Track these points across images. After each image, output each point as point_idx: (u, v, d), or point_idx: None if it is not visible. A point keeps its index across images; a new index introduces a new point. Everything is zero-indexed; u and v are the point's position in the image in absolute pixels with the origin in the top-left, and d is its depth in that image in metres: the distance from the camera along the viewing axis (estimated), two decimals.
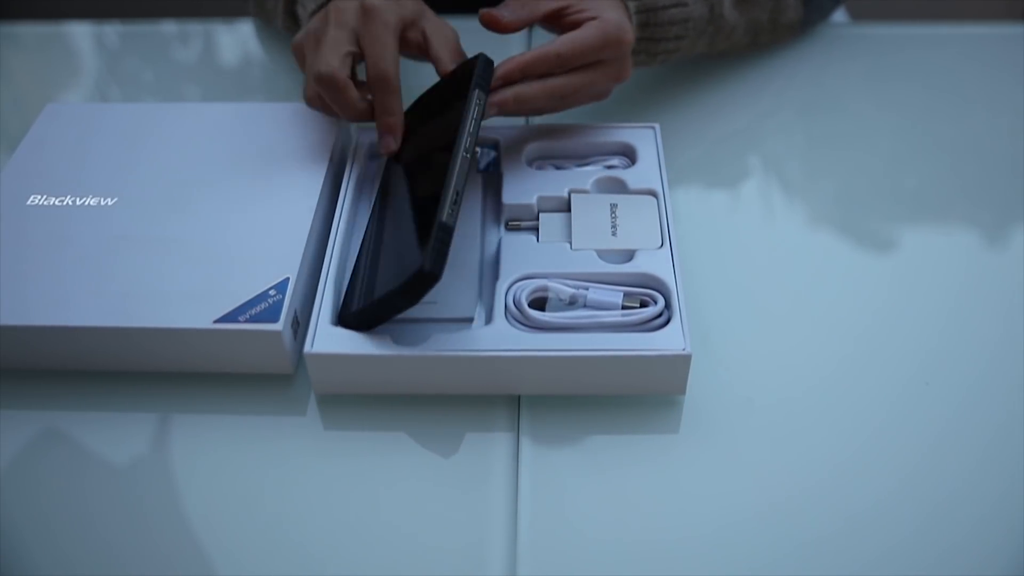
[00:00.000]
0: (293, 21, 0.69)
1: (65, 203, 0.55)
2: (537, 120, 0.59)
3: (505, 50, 0.57)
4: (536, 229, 0.55)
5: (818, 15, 0.76)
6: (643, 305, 0.50)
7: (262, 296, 0.49)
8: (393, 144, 0.55)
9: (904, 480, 0.47)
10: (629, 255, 0.53)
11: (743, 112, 0.71)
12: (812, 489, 0.46)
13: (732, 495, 0.46)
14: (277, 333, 0.48)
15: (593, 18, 0.55)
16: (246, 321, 0.48)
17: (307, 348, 0.47)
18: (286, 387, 0.51)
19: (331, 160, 0.58)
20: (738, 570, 0.43)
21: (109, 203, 0.55)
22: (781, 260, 0.58)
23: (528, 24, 0.56)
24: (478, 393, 0.50)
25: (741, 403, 0.50)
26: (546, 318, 0.49)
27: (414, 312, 0.50)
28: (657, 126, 0.61)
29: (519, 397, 0.50)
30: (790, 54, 0.75)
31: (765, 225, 0.62)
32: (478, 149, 0.60)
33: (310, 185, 0.56)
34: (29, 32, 0.82)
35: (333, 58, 0.53)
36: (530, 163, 0.59)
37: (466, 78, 0.52)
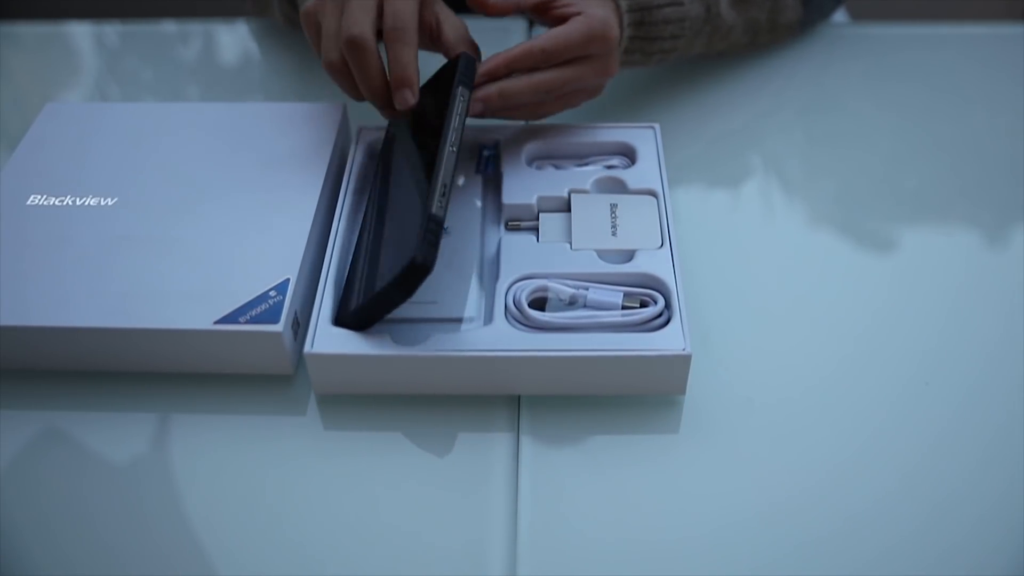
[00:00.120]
0: (292, 7, 0.69)
1: (65, 203, 0.55)
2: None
3: (503, 46, 0.57)
4: (536, 229, 0.55)
5: (818, 15, 0.76)
6: (643, 305, 0.50)
7: (262, 297, 0.49)
8: (411, 98, 0.52)
9: (904, 480, 0.47)
10: (629, 255, 0.53)
11: (743, 112, 0.71)
12: (812, 489, 0.46)
13: (732, 495, 0.46)
14: (277, 334, 0.48)
15: (578, 13, 0.55)
16: (246, 322, 0.48)
17: (307, 348, 0.47)
18: (286, 387, 0.51)
19: (331, 160, 0.58)
20: (738, 570, 0.43)
21: (109, 203, 0.55)
22: (781, 260, 0.58)
23: (515, 10, 0.56)
24: (478, 393, 0.50)
25: (741, 403, 0.50)
26: (546, 318, 0.49)
27: (410, 312, 0.50)
28: (657, 126, 0.61)
29: (519, 397, 0.50)
30: (790, 54, 0.75)
31: (765, 225, 0.62)
32: (484, 152, 0.60)
33: (310, 185, 0.56)
34: (29, 32, 0.82)
35: (364, 18, 0.51)
36: (530, 163, 0.59)
37: (450, 76, 0.53)
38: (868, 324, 0.54)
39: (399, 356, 0.47)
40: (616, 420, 0.49)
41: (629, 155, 0.59)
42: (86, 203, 0.55)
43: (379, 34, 0.53)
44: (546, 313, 0.49)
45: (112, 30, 0.81)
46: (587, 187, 0.56)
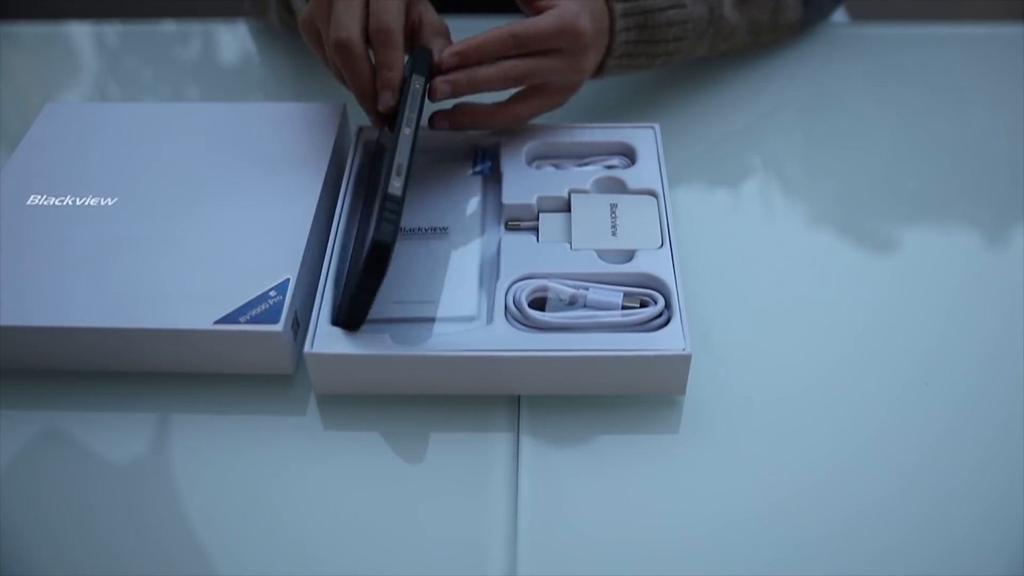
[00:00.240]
0: (289, 14, 0.69)
1: (65, 203, 0.55)
2: (537, 120, 0.59)
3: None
4: (536, 229, 0.55)
5: (818, 15, 0.76)
6: (643, 305, 0.50)
7: (263, 297, 0.49)
8: (391, 99, 0.53)
9: (904, 480, 0.47)
10: (629, 255, 0.53)
11: (743, 112, 0.71)
12: (812, 489, 0.46)
13: (732, 495, 0.46)
14: (277, 334, 0.48)
15: (554, 6, 0.55)
16: (247, 322, 0.48)
17: (307, 348, 0.47)
18: (286, 387, 0.51)
19: (331, 160, 0.58)
20: (738, 570, 0.43)
21: (109, 203, 0.55)
22: (781, 260, 0.58)
23: None
24: (478, 393, 0.50)
25: (741, 403, 0.50)
26: (546, 318, 0.49)
27: (413, 311, 0.50)
28: (657, 126, 0.61)
29: (519, 397, 0.50)
30: (790, 54, 0.75)
31: (765, 225, 0.62)
32: (479, 153, 0.60)
33: (310, 185, 0.56)
34: (29, 32, 0.82)
35: (350, 21, 0.52)
36: (530, 163, 0.59)
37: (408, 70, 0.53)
38: (868, 324, 0.54)
39: (399, 356, 0.47)
40: (616, 420, 0.49)
41: (629, 155, 0.59)
42: (86, 203, 0.55)
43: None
44: (546, 313, 0.49)
45: (112, 30, 0.81)
46: (587, 187, 0.56)
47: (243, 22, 0.80)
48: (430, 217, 0.56)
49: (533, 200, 0.56)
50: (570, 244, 0.53)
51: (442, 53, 0.53)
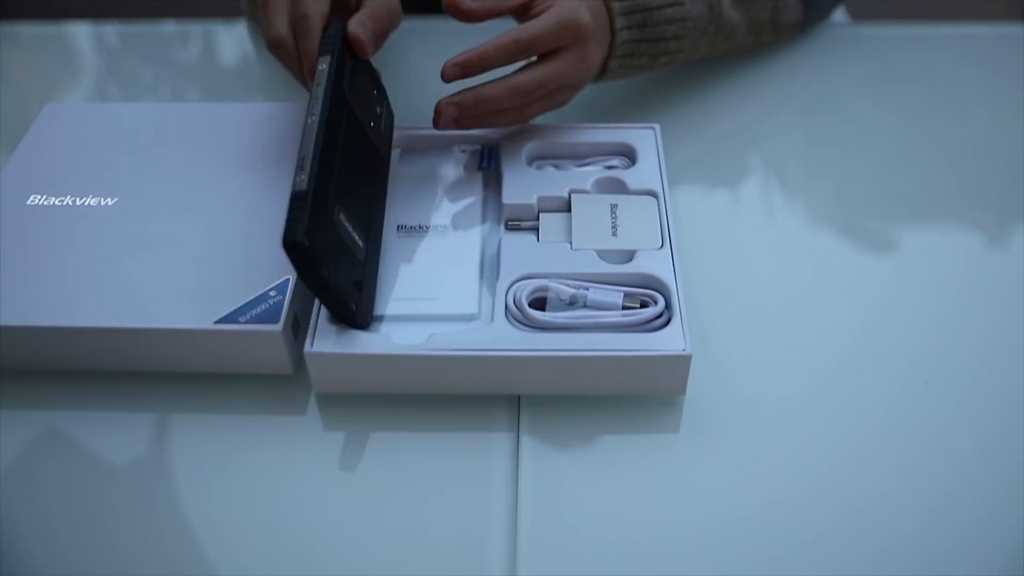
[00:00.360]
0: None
1: (65, 203, 0.55)
2: (537, 120, 0.59)
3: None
4: (536, 229, 0.55)
5: (817, 14, 0.76)
6: (643, 305, 0.50)
7: (263, 297, 0.49)
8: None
9: (904, 480, 0.47)
10: (629, 255, 0.53)
11: (743, 112, 0.71)
12: (812, 489, 0.46)
13: (732, 495, 0.46)
14: (278, 334, 0.48)
15: (550, 7, 0.55)
16: (246, 322, 0.48)
17: (307, 348, 0.47)
18: (286, 387, 0.51)
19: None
20: (738, 570, 0.43)
21: (109, 203, 0.55)
22: (781, 260, 0.58)
23: (494, 14, 0.56)
24: (478, 393, 0.50)
25: (741, 403, 0.50)
26: (546, 318, 0.49)
27: (416, 309, 0.50)
28: (657, 126, 0.61)
29: (519, 397, 0.50)
30: (790, 54, 0.75)
31: (765, 225, 0.62)
32: (477, 148, 0.60)
33: None
34: (29, 32, 0.82)
35: (278, 19, 0.53)
36: (530, 163, 0.59)
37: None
38: (868, 324, 0.54)
39: (399, 356, 0.47)
40: (616, 420, 0.49)
41: (629, 155, 0.59)
42: (86, 203, 0.55)
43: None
44: (546, 313, 0.49)
45: (112, 30, 0.81)
46: (587, 187, 0.56)
47: (243, 22, 0.80)
48: (431, 215, 0.56)
49: (533, 200, 0.56)
50: (570, 244, 0.53)
51: (444, 65, 0.53)
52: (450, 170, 0.59)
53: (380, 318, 0.50)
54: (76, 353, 0.50)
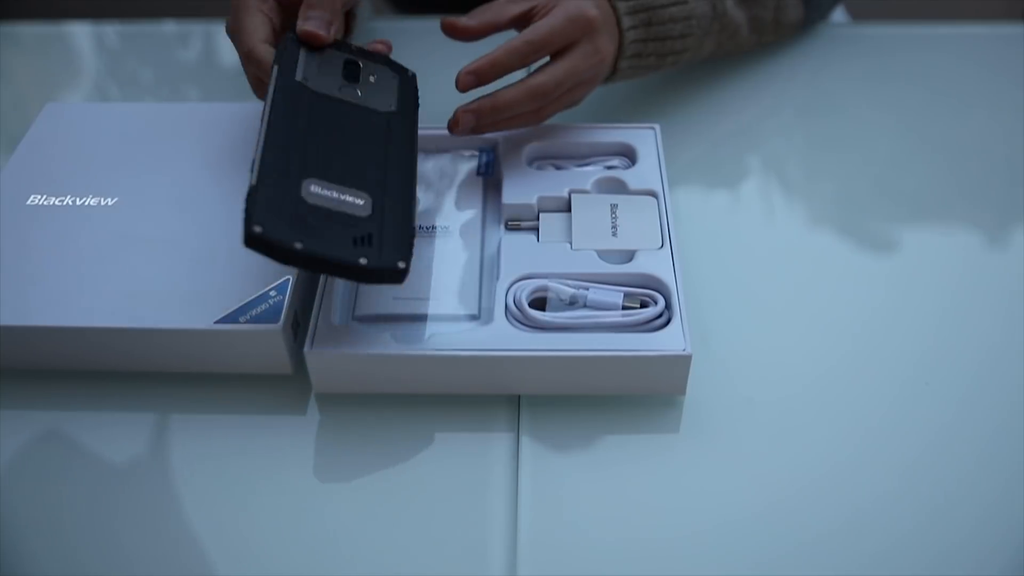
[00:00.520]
0: None
1: (65, 203, 0.55)
2: None
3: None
4: (536, 229, 0.55)
5: (817, 14, 0.76)
6: (643, 305, 0.50)
7: (262, 297, 0.49)
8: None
9: (904, 480, 0.47)
10: (629, 255, 0.53)
11: (743, 112, 0.71)
12: (812, 489, 0.46)
13: (732, 494, 0.46)
14: (277, 334, 0.48)
15: (556, 6, 0.55)
16: (246, 322, 0.48)
17: (307, 347, 0.48)
18: (286, 387, 0.51)
19: None
20: (738, 570, 0.43)
21: (109, 203, 0.55)
22: (781, 260, 0.58)
23: (492, 30, 0.55)
24: (478, 393, 0.50)
25: (741, 403, 0.50)
26: (546, 318, 0.49)
27: (416, 308, 0.50)
28: (657, 126, 0.61)
29: (519, 397, 0.50)
30: (790, 54, 0.75)
31: (765, 226, 0.62)
32: (476, 153, 0.60)
33: None
34: (29, 32, 0.82)
35: (250, 36, 0.53)
36: (530, 163, 0.59)
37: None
38: (868, 324, 0.54)
39: (399, 356, 0.47)
40: (616, 420, 0.49)
41: (629, 155, 0.59)
42: (86, 203, 0.55)
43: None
44: (546, 313, 0.49)
45: (112, 30, 0.81)
46: (587, 187, 0.56)
47: None
48: (431, 215, 0.56)
49: (533, 200, 0.56)
50: (570, 244, 0.53)
51: (458, 74, 0.53)
52: (451, 170, 0.59)
53: (381, 316, 0.50)
54: (76, 353, 0.50)
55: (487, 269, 0.53)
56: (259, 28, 0.54)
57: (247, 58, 0.53)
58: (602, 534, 0.45)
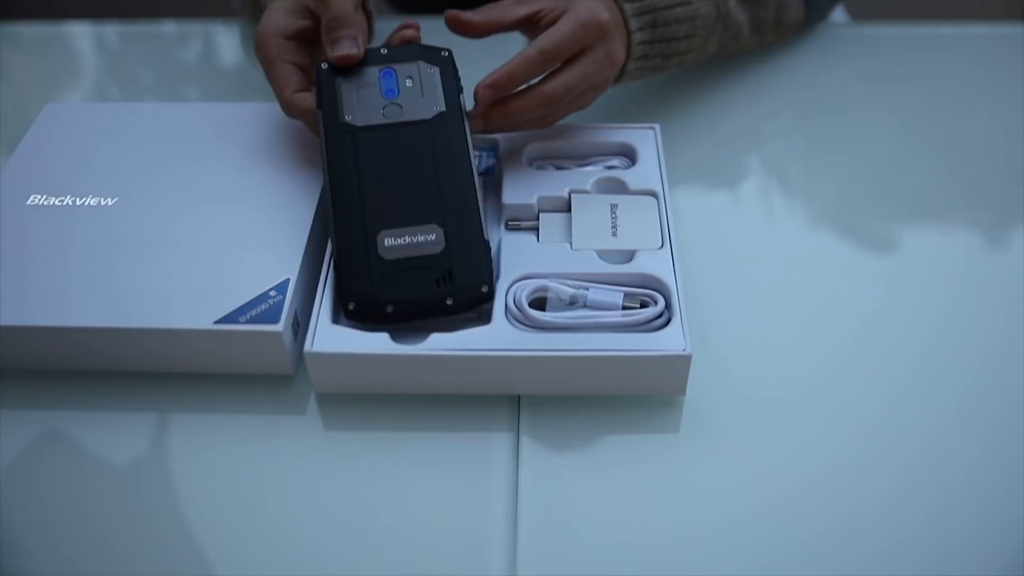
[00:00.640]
0: (253, 2, 0.70)
1: (65, 203, 0.55)
2: None
3: (500, 51, 0.57)
4: (536, 229, 0.55)
5: (817, 14, 0.76)
6: (643, 305, 0.50)
7: (263, 297, 0.49)
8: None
9: (904, 480, 0.47)
10: (629, 255, 0.53)
11: (743, 113, 0.71)
12: (812, 489, 0.46)
13: (732, 494, 0.46)
14: (278, 334, 0.48)
15: (565, 12, 0.54)
16: (246, 322, 0.48)
17: (307, 347, 0.47)
18: (286, 387, 0.51)
19: None
20: (738, 570, 0.43)
21: (109, 203, 0.55)
22: (781, 261, 0.58)
23: (497, 29, 0.55)
24: (478, 393, 0.50)
25: (741, 403, 0.50)
26: (546, 318, 0.49)
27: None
28: (657, 126, 0.61)
29: (519, 397, 0.50)
30: (790, 54, 0.75)
31: (765, 226, 0.62)
32: (478, 153, 0.60)
33: (310, 185, 0.56)
34: (29, 32, 0.82)
35: (282, 90, 0.54)
36: (530, 163, 0.59)
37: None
38: (868, 324, 0.54)
39: (399, 356, 0.47)
40: (616, 420, 0.49)
41: (629, 155, 0.59)
42: (86, 203, 0.55)
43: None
44: (546, 313, 0.49)
45: (112, 30, 0.81)
46: (587, 187, 0.56)
47: (243, 22, 0.80)
48: None
49: (533, 200, 0.56)
50: (570, 244, 0.53)
51: (476, 88, 0.53)
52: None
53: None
54: (76, 353, 0.50)
55: None
56: (290, 79, 0.54)
57: (288, 113, 0.55)
58: (602, 534, 0.45)
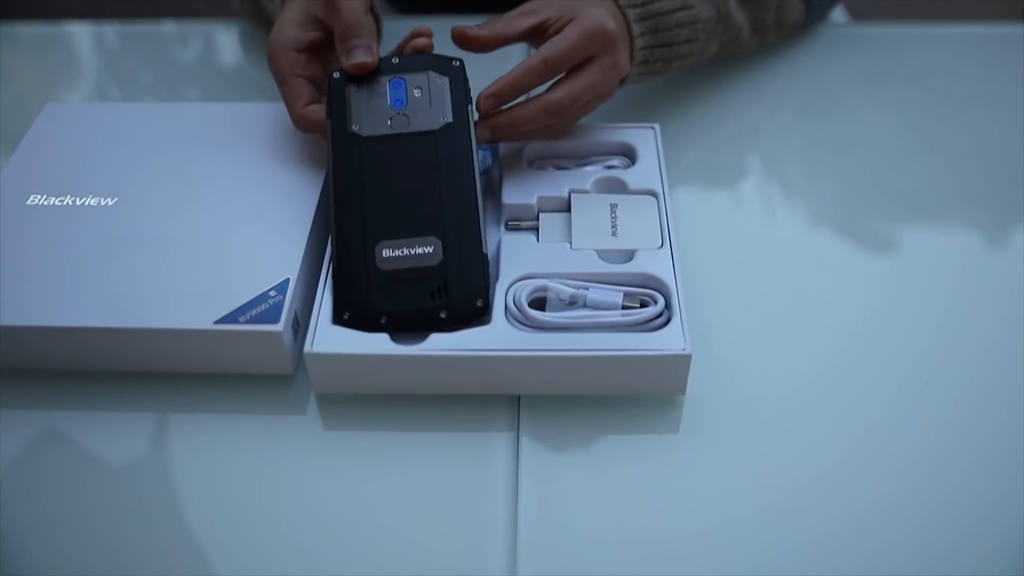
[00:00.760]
0: (251, 3, 0.69)
1: (65, 203, 0.55)
2: None
3: (503, 57, 0.57)
4: (536, 229, 0.55)
5: (817, 14, 0.76)
6: (643, 305, 0.50)
7: (262, 297, 0.49)
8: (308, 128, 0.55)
9: (904, 480, 0.47)
10: (629, 255, 0.53)
11: (743, 112, 0.71)
12: (812, 488, 0.46)
13: (732, 495, 0.46)
14: (278, 334, 0.48)
15: (572, 19, 0.54)
16: (246, 322, 0.48)
17: (307, 347, 0.47)
18: (286, 387, 0.51)
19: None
20: (738, 570, 0.43)
21: (109, 203, 0.55)
22: (781, 260, 0.58)
23: (504, 42, 0.55)
24: (478, 393, 0.50)
25: (741, 403, 0.50)
26: (546, 318, 0.49)
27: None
28: (657, 126, 0.61)
29: (519, 397, 0.50)
30: (790, 54, 0.75)
31: (765, 225, 0.62)
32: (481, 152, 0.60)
33: (310, 185, 0.56)
34: (29, 32, 0.82)
35: (294, 103, 0.54)
36: (530, 163, 0.59)
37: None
38: (868, 324, 0.54)
39: (399, 356, 0.47)
40: (616, 420, 0.49)
41: (629, 155, 0.59)
42: (86, 203, 0.55)
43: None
44: (546, 313, 0.49)
45: (112, 30, 0.81)
46: (587, 187, 0.56)
47: (243, 22, 0.80)
48: None
49: (533, 200, 0.56)
50: (570, 244, 0.53)
51: (478, 96, 0.53)
52: None
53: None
54: (76, 353, 0.50)
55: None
56: (301, 93, 0.55)
57: (299, 126, 0.55)
58: (602, 534, 0.45)
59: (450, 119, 0.52)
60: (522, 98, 0.54)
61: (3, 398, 0.51)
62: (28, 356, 0.50)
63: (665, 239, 0.53)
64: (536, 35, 0.55)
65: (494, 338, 0.48)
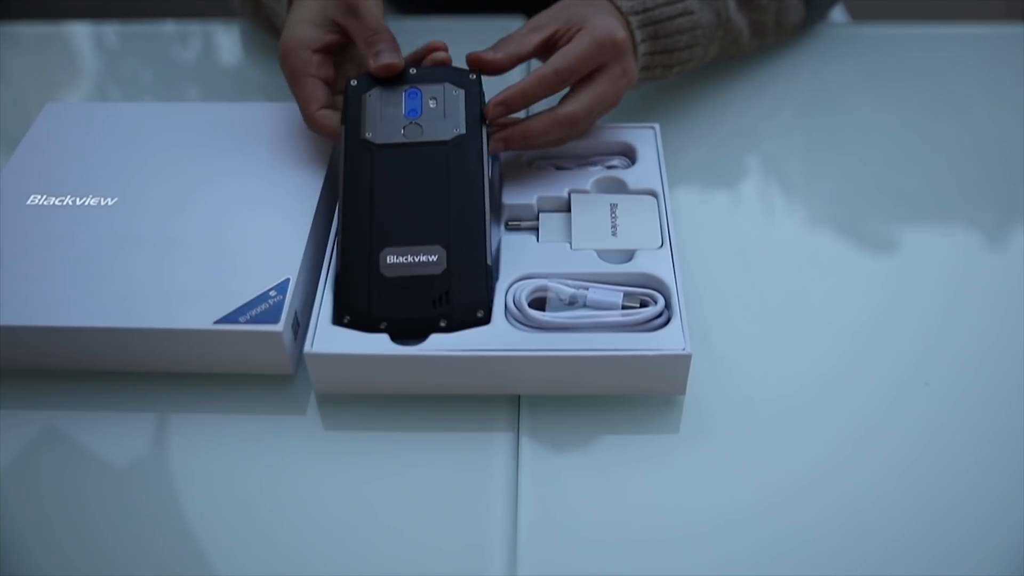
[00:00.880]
0: (253, 2, 0.70)
1: (65, 203, 0.55)
2: None
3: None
4: (536, 229, 0.55)
5: (817, 14, 0.76)
6: (643, 305, 0.50)
7: (262, 297, 0.49)
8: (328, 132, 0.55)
9: (904, 480, 0.47)
10: (629, 255, 0.53)
11: (743, 112, 0.71)
12: (812, 488, 0.46)
13: (732, 495, 0.46)
14: (278, 334, 0.48)
15: (581, 29, 0.54)
16: (246, 322, 0.48)
17: (307, 348, 0.47)
18: (286, 387, 0.51)
19: (331, 160, 0.58)
20: (738, 570, 0.43)
21: (109, 203, 0.55)
22: (781, 260, 0.58)
23: (519, 60, 0.55)
24: (478, 393, 0.50)
25: (741, 403, 0.50)
26: (546, 318, 0.49)
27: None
28: (657, 126, 0.61)
29: (519, 397, 0.50)
30: (790, 54, 0.75)
31: (765, 225, 0.62)
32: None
33: (310, 185, 0.56)
34: (29, 32, 0.82)
35: (309, 105, 0.54)
36: (530, 163, 0.59)
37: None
38: (868, 324, 0.54)
39: (399, 356, 0.47)
40: (616, 420, 0.49)
41: (629, 155, 0.60)
42: (86, 203, 0.55)
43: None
44: (546, 313, 0.49)
45: (112, 30, 0.81)
46: (587, 187, 0.57)
47: (243, 22, 0.80)
48: None
49: (533, 200, 0.56)
50: (570, 244, 0.53)
51: (487, 104, 0.53)
52: None
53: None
54: (76, 353, 0.50)
55: None
56: (315, 95, 0.55)
57: (311, 128, 0.55)
58: (602, 534, 0.45)
59: (463, 131, 0.53)
60: (533, 109, 0.54)
61: (3, 398, 0.51)
62: (28, 356, 0.50)
63: (665, 239, 0.53)
64: (548, 48, 0.56)
65: (494, 338, 0.48)
